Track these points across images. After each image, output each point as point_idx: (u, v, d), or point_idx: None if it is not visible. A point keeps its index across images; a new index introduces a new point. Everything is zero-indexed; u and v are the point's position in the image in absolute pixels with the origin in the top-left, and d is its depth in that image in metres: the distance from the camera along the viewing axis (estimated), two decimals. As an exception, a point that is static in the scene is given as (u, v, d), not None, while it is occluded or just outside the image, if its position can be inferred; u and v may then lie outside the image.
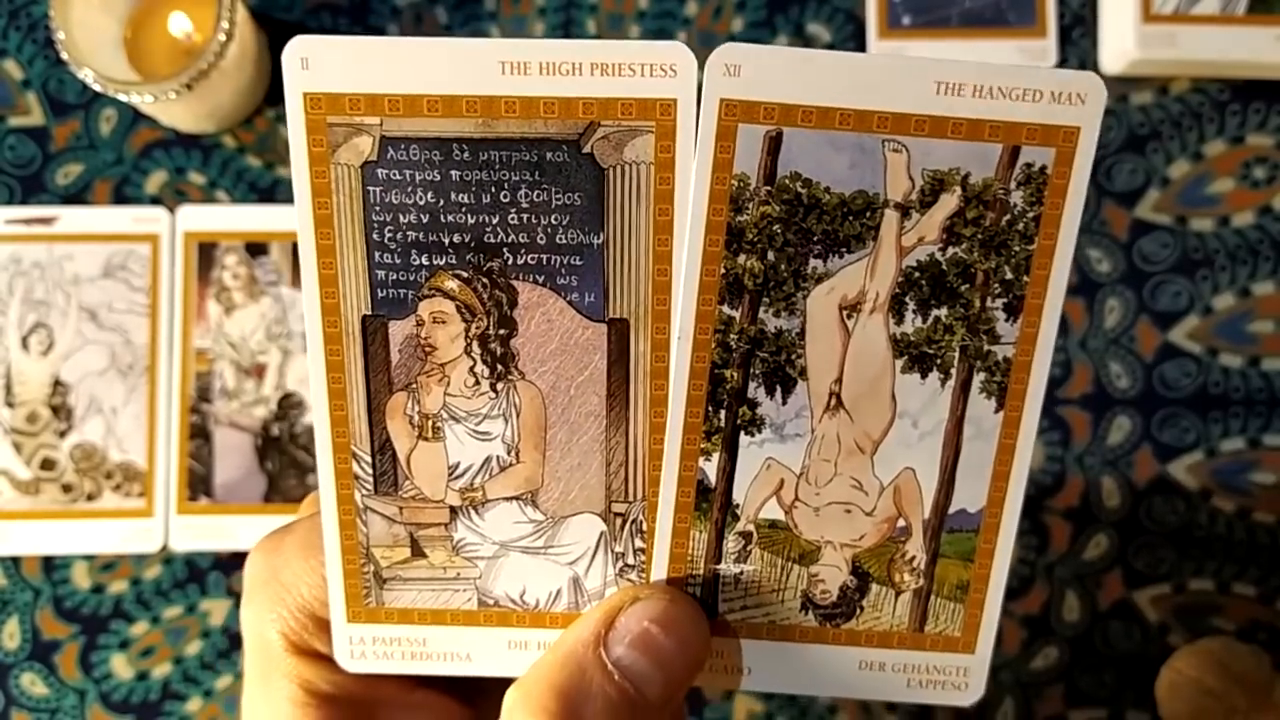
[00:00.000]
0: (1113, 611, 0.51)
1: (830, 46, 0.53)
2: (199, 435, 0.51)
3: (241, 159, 0.53)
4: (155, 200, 0.52)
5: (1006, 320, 0.26)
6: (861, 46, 0.53)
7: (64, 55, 0.46)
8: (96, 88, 0.46)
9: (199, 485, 0.51)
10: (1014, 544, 0.27)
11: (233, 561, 0.51)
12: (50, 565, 0.51)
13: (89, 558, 0.51)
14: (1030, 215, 0.25)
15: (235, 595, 0.51)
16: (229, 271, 0.51)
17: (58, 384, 0.51)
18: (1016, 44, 0.53)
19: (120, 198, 0.52)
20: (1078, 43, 0.53)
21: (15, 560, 0.51)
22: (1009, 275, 0.26)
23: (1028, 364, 0.26)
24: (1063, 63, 0.53)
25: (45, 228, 0.51)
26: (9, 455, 0.51)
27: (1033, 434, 0.27)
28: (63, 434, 0.51)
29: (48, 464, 0.51)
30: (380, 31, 0.53)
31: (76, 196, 0.52)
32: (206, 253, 0.52)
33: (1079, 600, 0.52)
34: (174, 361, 0.51)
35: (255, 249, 0.51)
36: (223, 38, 0.46)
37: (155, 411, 0.51)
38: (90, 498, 0.51)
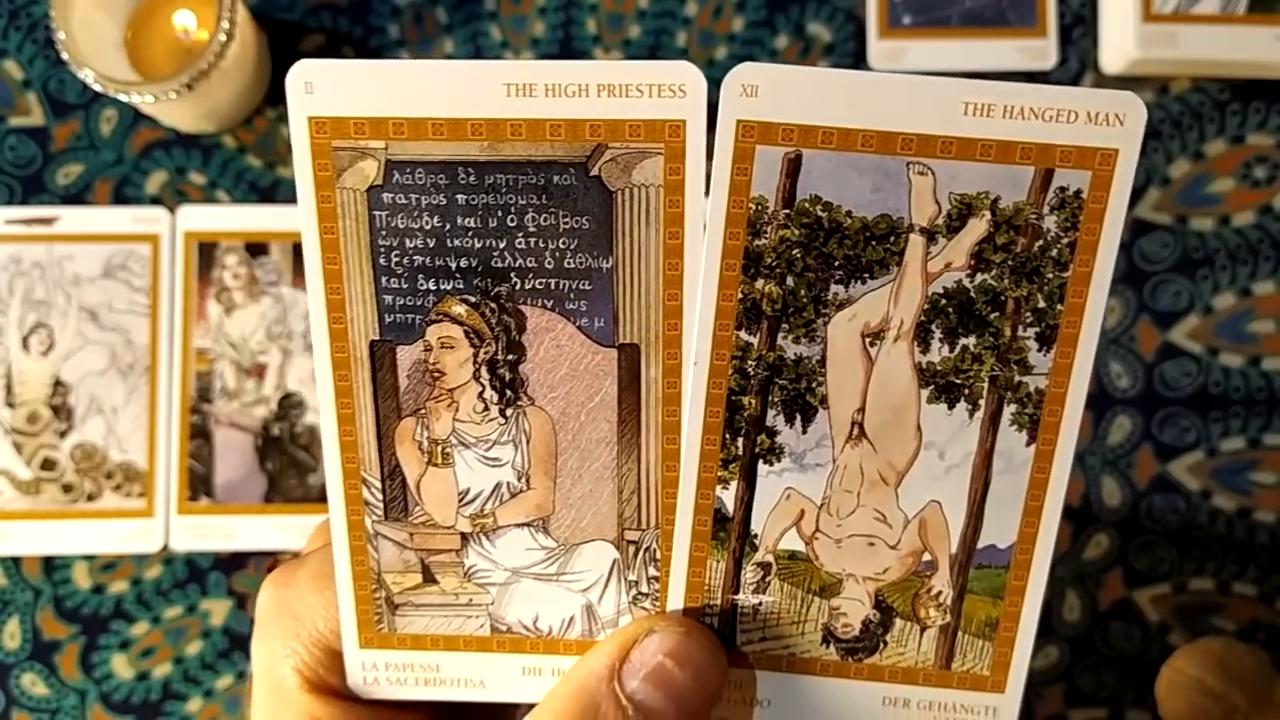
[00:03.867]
0: (1113, 611, 0.51)
1: (831, 46, 0.53)
2: (199, 435, 0.51)
3: (242, 159, 0.53)
4: (155, 200, 0.52)
5: (1039, 350, 0.25)
6: (862, 46, 0.53)
7: (64, 55, 0.46)
8: (97, 88, 0.46)
9: (199, 485, 0.51)
10: (1046, 581, 0.26)
11: (233, 561, 0.51)
12: (51, 565, 0.51)
13: (89, 558, 0.51)
14: (1064, 241, 0.24)
15: (236, 595, 0.51)
16: (229, 271, 0.51)
17: (58, 384, 0.51)
18: (1017, 44, 0.53)
19: (120, 198, 0.52)
20: (1078, 42, 0.53)
21: (16, 560, 0.51)
22: (1041, 303, 0.25)
23: (1062, 396, 0.25)
24: (1063, 62, 0.53)
25: (45, 228, 0.51)
26: (9, 455, 0.51)
27: (1067, 469, 0.26)
28: (63, 434, 0.51)
29: (48, 464, 0.51)
30: (380, 31, 0.53)
31: (77, 196, 0.52)
32: (207, 253, 0.52)
33: (1079, 600, 0.52)
34: (174, 361, 0.51)
35: (255, 249, 0.51)
36: (223, 38, 0.46)
37: (155, 411, 0.51)
38: (91, 498, 0.51)
